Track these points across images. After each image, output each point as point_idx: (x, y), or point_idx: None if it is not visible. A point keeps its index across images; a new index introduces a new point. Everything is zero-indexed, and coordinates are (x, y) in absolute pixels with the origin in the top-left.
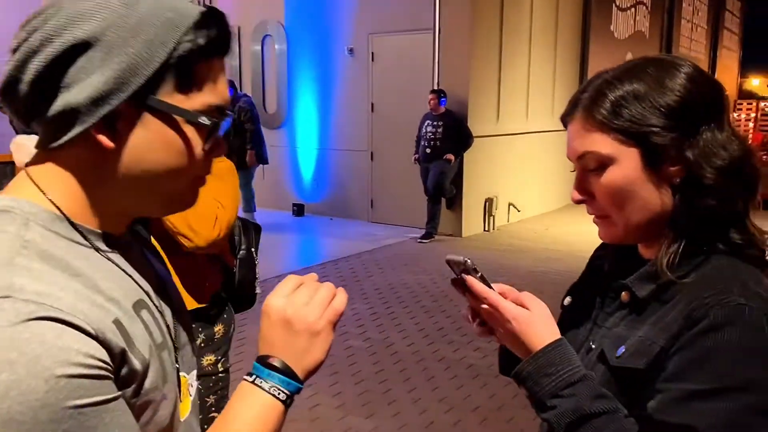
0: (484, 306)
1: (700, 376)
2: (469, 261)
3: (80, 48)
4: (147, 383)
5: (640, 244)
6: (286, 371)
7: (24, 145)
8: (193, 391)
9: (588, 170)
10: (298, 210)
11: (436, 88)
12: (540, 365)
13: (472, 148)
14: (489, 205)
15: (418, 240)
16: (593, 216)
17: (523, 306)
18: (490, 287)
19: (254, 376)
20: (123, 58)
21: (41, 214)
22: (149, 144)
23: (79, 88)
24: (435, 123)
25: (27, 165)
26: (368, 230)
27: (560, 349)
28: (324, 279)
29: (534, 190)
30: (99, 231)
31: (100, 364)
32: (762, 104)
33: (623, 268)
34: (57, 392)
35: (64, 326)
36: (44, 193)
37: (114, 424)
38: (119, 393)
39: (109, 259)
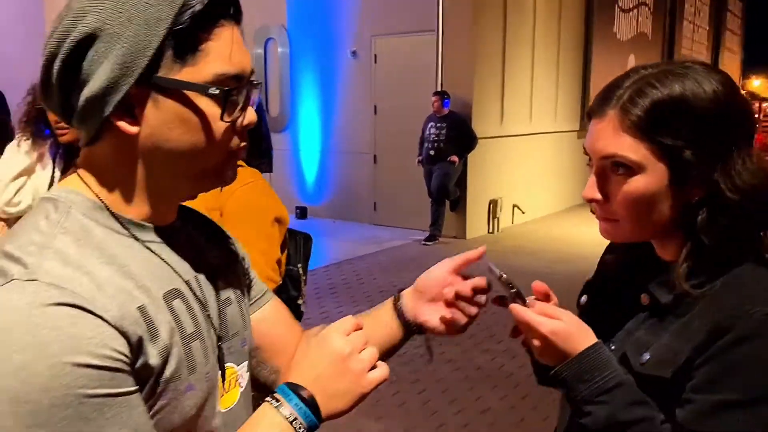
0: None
1: (729, 388)
2: (504, 276)
3: (87, 42)
4: (167, 371)
5: (652, 242)
6: (312, 405)
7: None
8: (243, 381)
9: (609, 171)
10: (301, 213)
11: (439, 89)
12: (575, 371)
13: (476, 150)
14: (493, 206)
15: (422, 242)
16: (598, 215)
17: (552, 317)
18: (524, 301)
19: (280, 402)
20: (123, 43)
21: (83, 203)
22: (166, 123)
23: (93, 81)
24: (438, 125)
25: (77, 162)
26: (372, 233)
27: (596, 355)
28: (328, 282)
29: (538, 192)
30: (142, 223)
31: (114, 354)
32: (764, 105)
33: (638, 267)
34: (60, 378)
35: (81, 312)
36: (87, 185)
37: (115, 420)
38: (132, 389)
39: (148, 248)
